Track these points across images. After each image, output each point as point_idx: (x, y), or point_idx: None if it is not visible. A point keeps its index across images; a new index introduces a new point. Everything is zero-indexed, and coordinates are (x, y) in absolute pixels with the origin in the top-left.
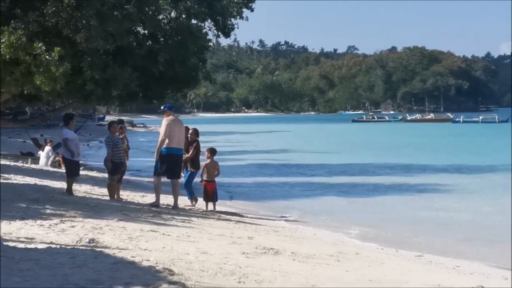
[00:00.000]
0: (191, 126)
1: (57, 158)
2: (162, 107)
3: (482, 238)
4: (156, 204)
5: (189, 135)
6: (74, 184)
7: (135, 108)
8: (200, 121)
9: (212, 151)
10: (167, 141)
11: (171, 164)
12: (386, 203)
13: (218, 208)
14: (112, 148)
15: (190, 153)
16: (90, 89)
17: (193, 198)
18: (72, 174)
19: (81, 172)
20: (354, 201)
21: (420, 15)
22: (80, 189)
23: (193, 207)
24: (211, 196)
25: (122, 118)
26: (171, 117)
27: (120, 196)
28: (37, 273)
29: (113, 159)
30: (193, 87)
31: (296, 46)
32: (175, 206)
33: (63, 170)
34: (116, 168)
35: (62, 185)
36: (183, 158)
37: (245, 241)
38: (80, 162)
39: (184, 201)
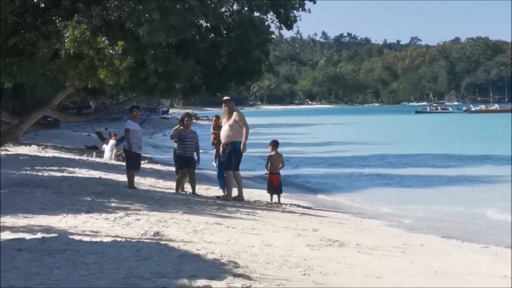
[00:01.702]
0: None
1: (120, 151)
2: (225, 97)
3: None
4: (241, 199)
5: (220, 124)
6: (138, 178)
7: (199, 101)
8: (263, 114)
9: (275, 144)
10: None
11: (241, 157)
12: (450, 194)
13: (282, 200)
14: (179, 142)
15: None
16: (154, 82)
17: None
18: (131, 167)
19: (146, 165)
20: (418, 192)
21: (484, 5)
22: (145, 182)
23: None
24: (275, 188)
25: (188, 111)
26: (237, 109)
27: (185, 189)
28: (102, 266)
29: (181, 153)
30: (256, 79)
31: (359, 38)
32: (241, 198)
33: None
34: (184, 162)
35: (127, 178)
36: (218, 147)
37: (310, 233)
38: (143, 155)
39: (215, 191)
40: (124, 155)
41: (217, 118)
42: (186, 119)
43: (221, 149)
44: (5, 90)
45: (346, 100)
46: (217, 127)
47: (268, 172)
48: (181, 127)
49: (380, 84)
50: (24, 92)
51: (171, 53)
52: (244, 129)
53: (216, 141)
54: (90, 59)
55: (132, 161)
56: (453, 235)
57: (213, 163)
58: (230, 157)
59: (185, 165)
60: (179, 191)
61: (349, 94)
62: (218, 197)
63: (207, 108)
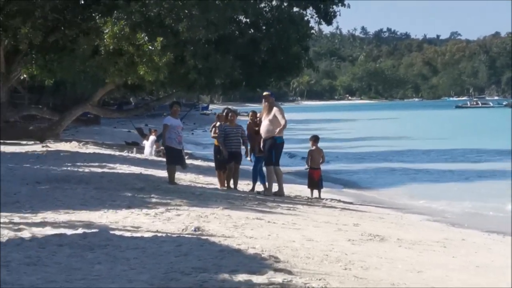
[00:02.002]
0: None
1: (160, 148)
2: (265, 93)
3: None
4: (281, 194)
5: (257, 119)
6: (178, 173)
7: (239, 97)
8: (304, 109)
9: (316, 139)
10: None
11: (281, 152)
12: (492, 188)
13: (323, 195)
14: (224, 138)
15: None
16: (193, 78)
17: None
18: (171, 162)
19: (186, 161)
20: (458, 186)
21: None
22: (185, 178)
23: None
24: (316, 183)
25: (229, 106)
26: (277, 104)
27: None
28: (143, 261)
29: (227, 149)
30: (296, 75)
31: (398, 33)
32: (282, 193)
33: None
34: (231, 158)
35: (167, 174)
36: (252, 143)
37: (351, 228)
38: (185, 151)
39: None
40: (164, 151)
41: (254, 113)
42: (230, 114)
43: (261, 144)
44: (46, 87)
45: (386, 96)
46: (253, 122)
47: (308, 167)
48: (218, 123)
49: (420, 79)
50: (64, 89)
51: (210, 49)
52: (282, 124)
53: (251, 136)
54: (130, 55)
55: (171, 157)
56: (494, 230)
57: (248, 158)
58: (271, 152)
59: (232, 159)
60: (225, 186)
61: (389, 89)
62: (258, 193)
63: (247, 104)
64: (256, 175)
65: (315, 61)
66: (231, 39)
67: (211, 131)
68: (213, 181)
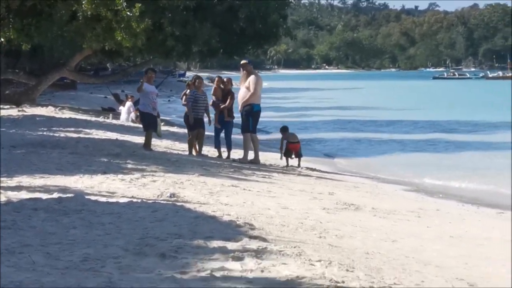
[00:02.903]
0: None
1: (137, 114)
2: (243, 61)
3: None
4: (245, 161)
5: (223, 85)
6: (154, 140)
7: (216, 65)
8: (281, 78)
9: (285, 129)
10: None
11: (258, 120)
12: (466, 159)
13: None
14: (192, 103)
15: (228, 102)
16: (171, 45)
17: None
18: (147, 128)
19: (162, 128)
20: (433, 157)
21: None
22: (161, 144)
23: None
24: (293, 154)
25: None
26: (255, 72)
27: (202, 152)
28: (118, 226)
29: (194, 115)
30: (274, 43)
31: (377, 3)
32: (257, 161)
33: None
34: (196, 124)
35: (143, 140)
36: (219, 108)
37: (326, 197)
38: (161, 118)
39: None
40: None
41: (219, 78)
42: (197, 80)
43: (239, 109)
44: (23, 52)
45: (363, 65)
46: (219, 87)
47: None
48: (188, 91)
49: (397, 49)
50: (41, 54)
51: (188, 16)
52: (251, 92)
53: (217, 102)
54: (108, 21)
55: (147, 123)
56: (468, 201)
57: (216, 124)
58: (248, 119)
59: (198, 126)
60: (192, 152)
61: (366, 59)
62: (234, 160)
63: (224, 72)
64: (218, 141)
65: (293, 29)
66: (210, 6)
67: (181, 98)
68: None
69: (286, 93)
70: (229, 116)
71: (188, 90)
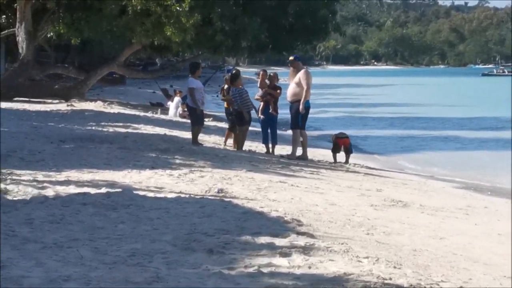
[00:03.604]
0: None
1: (184, 109)
2: (291, 58)
3: None
4: (293, 157)
5: (267, 80)
6: (202, 135)
7: (265, 60)
8: (330, 74)
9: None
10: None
11: (307, 116)
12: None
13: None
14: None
15: (276, 93)
16: (220, 40)
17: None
18: (196, 123)
19: (211, 123)
20: (483, 154)
21: None
22: (209, 140)
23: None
24: (342, 149)
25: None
26: (304, 68)
27: (249, 147)
28: (166, 221)
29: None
30: (323, 39)
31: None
32: (305, 157)
33: None
34: (242, 119)
35: (191, 135)
36: (264, 100)
37: (374, 193)
38: (208, 113)
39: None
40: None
41: (264, 72)
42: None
43: (301, 107)
44: (72, 46)
45: (412, 62)
46: (263, 81)
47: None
48: (225, 86)
49: (446, 46)
50: (91, 48)
51: (238, 11)
52: (305, 89)
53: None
54: (157, 16)
55: (196, 118)
56: None
57: (260, 116)
58: (297, 115)
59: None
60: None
61: (415, 55)
62: (282, 156)
63: (272, 67)
64: (266, 137)
65: (342, 25)
66: (259, 1)
67: (220, 93)
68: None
69: (336, 89)
70: (274, 110)
71: (226, 85)
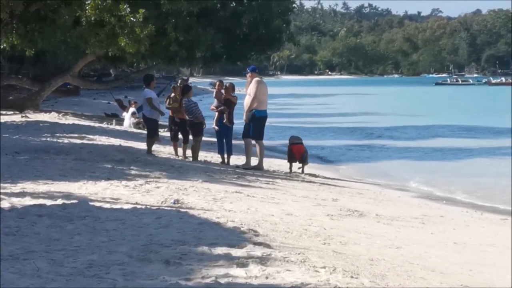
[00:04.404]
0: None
1: (138, 119)
2: (247, 69)
3: None
4: (248, 167)
5: (222, 90)
6: (157, 146)
7: (219, 70)
8: (283, 83)
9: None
10: (256, 103)
11: (262, 126)
12: (472, 166)
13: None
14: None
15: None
16: (174, 51)
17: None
18: (153, 134)
19: (166, 134)
20: (437, 164)
21: None
22: (165, 150)
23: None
24: (296, 158)
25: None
26: (258, 78)
27: (205, 158)
28: (122, 232)
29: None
30: (277, 49)
31: (379, 9)
32: (261, 167)
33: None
34: (199, 130)
35: (147, 145)
36: (219, 110)
37: (330, 203)
38: (160, 122)
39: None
40: (144, 123)
41: (221, 82)
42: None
43: (244, 118)
44: (26, 57)
45: (366, 71)
46: (219, 91)
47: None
48: (172, 94)
49: (400, 55)
50: (45, 59)
51: (192, 21)
52: (251, 98)
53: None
54: (111, 27)
55: (154, 129)
56: (472, 207)
57: (214, 127)
58: (249, 124)
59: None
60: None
61: (369, 65)
62: (237, 166)
63: (227, 77)
64: (222, 147)
65: (296, 35)
66: (213, 11)
67: (166, 102)
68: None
69: (289, 99)
70: (229, 121)
71: (173, 94)
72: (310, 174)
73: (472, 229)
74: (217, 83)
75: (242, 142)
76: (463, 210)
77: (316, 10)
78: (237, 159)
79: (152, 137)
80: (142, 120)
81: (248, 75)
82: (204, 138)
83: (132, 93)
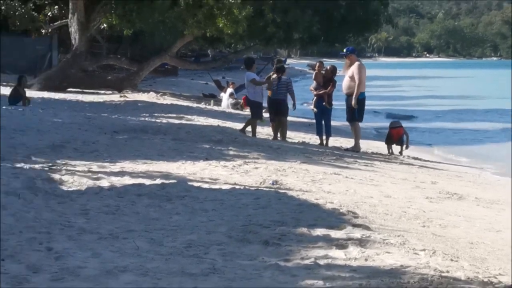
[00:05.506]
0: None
1: (239, 101)
2: (344, 50)
3: None
4: (358, 150)
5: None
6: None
7: (316, 52)
8: (381, 66)
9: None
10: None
11: (363, 108)
12: None
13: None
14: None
15: (329, 89)
16: (272, 32)
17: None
18: (256, 116)
19: (265, 115)
20: None
21: None
22: (263, 132)
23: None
24: (395, 140)
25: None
26: (359, 62)
27: (303, 139)
28: (221, 213)
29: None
30: (375, 31)
31: None
32: (358, 148)
33: (244, 112)
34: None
35: (251, 127)
36: (320, 93)
37: (429, 186)
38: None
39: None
40: (241, 104)
41: (321, 63)
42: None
43: (353, 101)
44: (125, 37)
45: (464, 54)
46: (319, 72)
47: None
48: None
49: (499, 38)
50: (143, 39)
51: (290, 3)
52: (357, 83)
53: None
54: (209, 8)
55: (259, 111)
56: None
57: (313, 108)
58: (353, 108)
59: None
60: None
61: (467, 47)
62: (347, 149)
63: (324, 59)
64: (320, 129)
65: (394, 17)
66: None
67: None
68: (291, 135)
69: (388, 81)
70: (328, 103)
71: (275, 75)
72: (409, 156)
73: None
74: (317, 64)
75: (339, 124)
76: None
77: None
78: (334, 141)
79: (255, 119)
80: (240, 101)
81: (347, 57)
82: (299, 120)
83: (230, 74)
